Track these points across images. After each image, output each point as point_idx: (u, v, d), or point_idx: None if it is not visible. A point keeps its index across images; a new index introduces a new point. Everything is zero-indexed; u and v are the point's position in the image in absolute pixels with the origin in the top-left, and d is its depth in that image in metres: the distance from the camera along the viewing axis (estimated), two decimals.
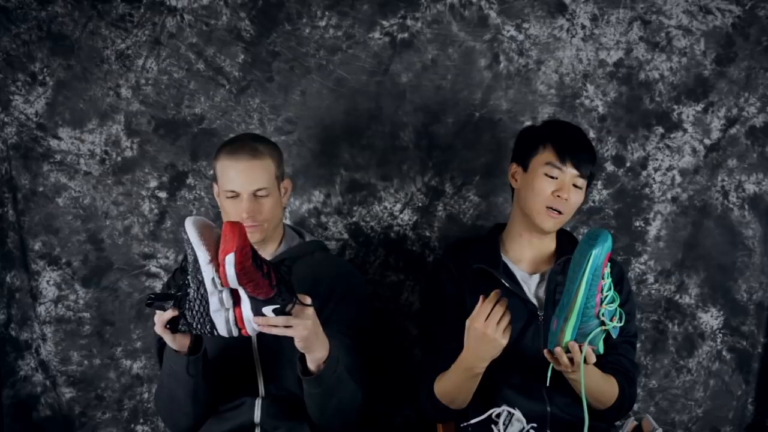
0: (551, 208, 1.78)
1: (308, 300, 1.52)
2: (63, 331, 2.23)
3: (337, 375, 1.62)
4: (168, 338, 1.58)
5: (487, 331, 1.59)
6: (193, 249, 1.43)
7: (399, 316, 2.25)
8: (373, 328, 1.87)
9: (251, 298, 1.46)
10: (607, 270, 1.57)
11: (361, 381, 1.75)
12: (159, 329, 1.54)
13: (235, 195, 1.77)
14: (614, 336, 1.61)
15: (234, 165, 1.77)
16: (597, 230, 1.57)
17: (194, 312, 1.48)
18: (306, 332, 1.51)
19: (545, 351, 1.62)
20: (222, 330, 1.49)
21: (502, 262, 1.86)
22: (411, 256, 2.24)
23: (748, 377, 2.31)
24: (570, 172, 1.78)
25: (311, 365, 1.59)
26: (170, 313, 1.51)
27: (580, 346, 1.57)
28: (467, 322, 1.64)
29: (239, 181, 1.76)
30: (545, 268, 1.87)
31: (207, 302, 1.47)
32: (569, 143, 1.80)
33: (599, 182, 2.23)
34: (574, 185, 1.79)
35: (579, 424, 1.66)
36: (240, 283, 1.42)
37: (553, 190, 1.78)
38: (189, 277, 1.47)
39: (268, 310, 1.47)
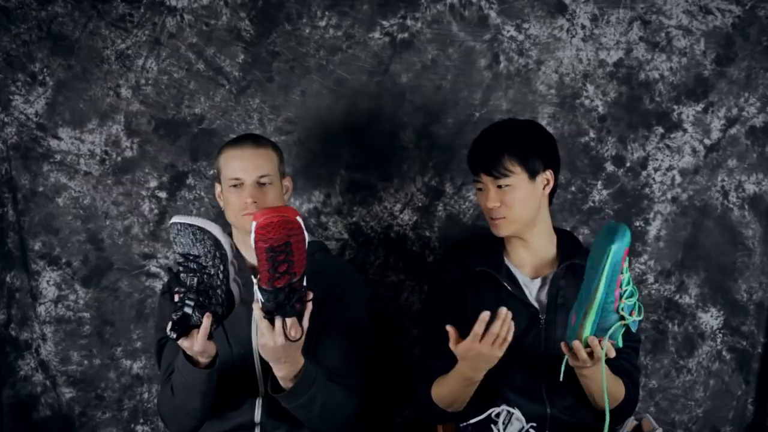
0: (493, 218, 1.80)
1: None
2: (63, 331, 2.23)
3: (310, 396, 1.64)
4: (208, 352, 1.60)
5: (482, 350, 1.60)
6: (212, 235, 1.55)
7: (399, 316, 2.25)
8: (372, 329, 1.87)
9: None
10: (626, 264, 1.57)
11: (358, 383, 1.76)
12: (202, 344, 1.56)
13: (239, 183, 1.78)
14: (633, 330, 1.61)
15: (238, 153, 1.80)
16: (615, 225, 1.55)
17: (219, 295, 1.57)
18: (271, 348, 1.55)
19: (562, 344, 1.61)
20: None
21: (505, 265, 1.87)
22: (411, 256, 2.24)
23: (748, 377, 2.31)
24: (487, 179, 1.79)
25: (280, 381, 1.63)
26: (207, 320, 1.55)
27: (599, 341, 1.57)
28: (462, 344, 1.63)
29: (243, 168, 1.78)
30: (547, 272, 1.87)
31: (227, 277, 1.56)
32: (473, 154, 1.83)
33: (599, 182, 2.23)
34: (499, 186, 1.78)
35: (579, 427, 1.66)
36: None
37: (484, 203, 1.80)
38: (208, 270, 1.54)
39: (257, 294, 1.53)
